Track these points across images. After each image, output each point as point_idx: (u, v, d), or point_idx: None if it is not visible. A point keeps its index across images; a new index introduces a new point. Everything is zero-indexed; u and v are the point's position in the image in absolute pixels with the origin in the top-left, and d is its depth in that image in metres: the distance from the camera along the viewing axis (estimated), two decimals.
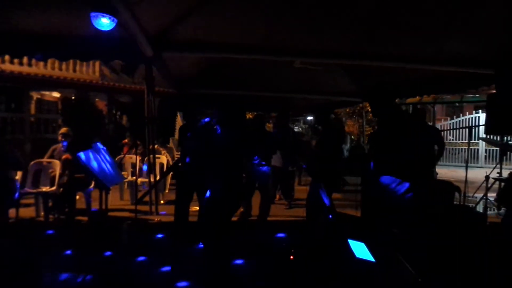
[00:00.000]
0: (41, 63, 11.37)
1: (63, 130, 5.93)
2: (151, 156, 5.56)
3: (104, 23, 3.33)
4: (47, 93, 14.31)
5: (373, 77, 6.50)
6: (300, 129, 20.63)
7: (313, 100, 8.67)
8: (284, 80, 7.03)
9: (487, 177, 5.99)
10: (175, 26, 4.41)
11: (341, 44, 4.81)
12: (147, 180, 6.15)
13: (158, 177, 5.93)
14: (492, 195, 5.95)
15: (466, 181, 5.10)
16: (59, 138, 5.85)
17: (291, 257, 3.78)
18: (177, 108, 4.40)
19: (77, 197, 5.64)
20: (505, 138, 7.27)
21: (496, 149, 13.33)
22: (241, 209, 5.31)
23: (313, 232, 3.96)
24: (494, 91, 6.63)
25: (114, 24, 3.39)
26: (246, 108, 8.41)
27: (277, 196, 7.32)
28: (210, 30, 4.56)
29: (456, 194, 4.15)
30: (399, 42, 4.62)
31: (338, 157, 4.71)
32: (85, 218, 5.33)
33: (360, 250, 2.10)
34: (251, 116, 8.51)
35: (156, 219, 5.22)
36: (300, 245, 3.99)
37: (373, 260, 2.01)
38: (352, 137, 14.35)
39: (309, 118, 19.68)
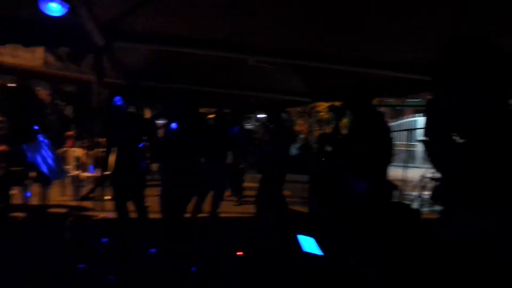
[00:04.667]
0: None
1: None
2: (97, 150, 5.36)
3: (54, 8, 3.14)
4: None
5: (322, 78, 6.74)
6: (252, 126, 20.75)
7: (265, 98, 8.79)
8: (237, 77, 7.05)
9: (422, 177, 6.44)
10: (128, 16, 4.27)
11: (295, 44, 4.93)
12: (92, 175, 5.92)
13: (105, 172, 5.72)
14: (426, 193, 6.41)
15: (404, 180, 5.45)
16: None
17: (240, 252, 3.83)
18: (128, 101, 4.23)
19: (14, 191, 5.28)
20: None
21: None
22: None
23: (263, 228, 4.05)
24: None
25: (66, 10, 3.22)
26: (199, 104, 8.33)
27: (227, 193, 7.35)
28: (164, 22, 4.47)
29: (394, 192, 4.43)
30: (350, 45, 4.82)
31: (288, 155, 4.84)
32: (21, 214, 5.01)
33: (308, 244, 2.20)
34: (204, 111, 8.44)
35: (100, 215, 5.04)
36: (249, 241, 4.06)
37: (321, 253, 2.11)
38: (302, 136, 14.71)
39: (260, 115, 19.86)
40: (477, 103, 1.19)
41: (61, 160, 6.44)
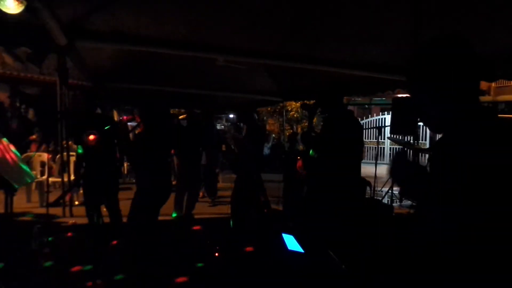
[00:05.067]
0: None
1: None
2: (65, 154, 5.16)
3: (10, 5, 2.98)
4: None
5: (292, 78, 6.79)
6: (223, 126, 20.69)
7: (236, 98, 8.77)
8: (206, 77, 6.99)
9: None
10: (92, 14, 4.12)
11: (264, 44, 4.93)
12: (59, 179, 5.69)
13: (72, 177, 5.50)
14: (396, 189, 6.61)
15: (375, 176, 5.58)
16: None
17: (216, 254, 3.80)
18: (94, 103, 4.09)
19: None
20: (406, 138, 8.11)
21: (399, 148, 14.80)
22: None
23: (241, 228, 4.03)
24: (399, 95, 7.35)
25: (23, 7, 3.06)
26: (169, 105, 8.21)
27: (201, 194, 7.29)
28: (130, 21, 4.35)
29: (368, 188, 4.54)
30: (319, 45, 4.88)
31: (262, 154, 4.84)
32: None
33: (291, 242, 2.20)
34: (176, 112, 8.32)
35: (70, 222, 4.86)
36: (226, 241, 4.03)
37: (302, 251, 2.12)
38: (273, 135, 14.80)
39: (231, 115, 19.83)
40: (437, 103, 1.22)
41: (26, 164, 6.15)
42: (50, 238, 3.93)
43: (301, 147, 8.36)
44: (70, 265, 3.45)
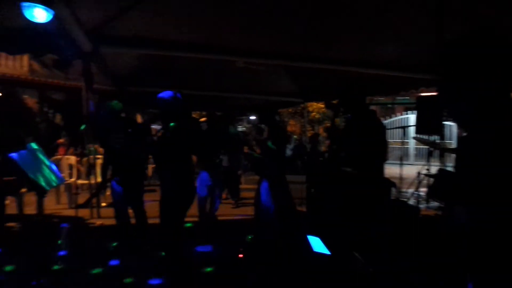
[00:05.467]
0: None
1: None
2: (91, 156, 5.29)
3: (38, 14, 3.08)
4: None
5: (313, 78, 6.74)
6: (244, 128, 20.75)
7: (256, 100, 8.78)
8: (227, 79, 7.04)
9: (418, 173, 6.46)
10: (115, 21, 4.22)
11: (284, 45, 4.93)
12: (86, 182, 5.83)
13: (99, 179, 5.63)
14: (422, 190, 6.44)
15: (400, 177, 5.46)
16: None
17: (240, 255, 3.79)
18: (119, 106, 4.15)
19: (7, 202, 5.18)
20: (432, 137, 7.91)
21: (425, 148, 14.45)
22: None
23: (264, 229, 4.01)
24: (422, 94, 7.18)
25: (51, 16, 3.16)
26: (192, 108, 8.30)
27: (224, 195, 7.31)
28: (152, 26, 4.44)
29: (393, 189, 4.44)
30: (339, 45, 4.83)
31: (284, 155, 4.82)
32: (14, 225, 4.92)
33: (316, 244, 2.18)
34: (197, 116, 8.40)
35: (98, 223, 4.97)
36: (250, 242, 4.03)
37: (328, 252, 2.09)
38: (295, 136, 14.73)
39: (252, 117, 19.86)
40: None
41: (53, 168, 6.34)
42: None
43: (323, 148, 8.29)
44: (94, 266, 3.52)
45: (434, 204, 6.06)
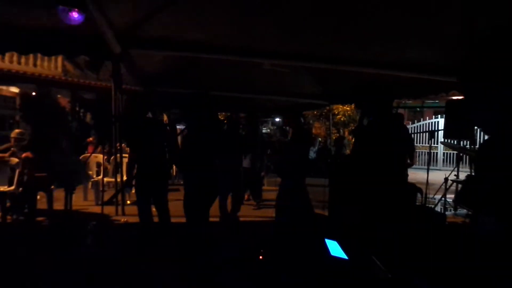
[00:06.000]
0: None
1: (16, 133, 5.37)
2: (118, 155, 5.44)
3: (73, 17, 3.21)
4: (3, 87, 13.59)
5: (339, 81, 6.67)
6: (268, 130, 20.77)
7: (281, 102, 8.78)
8: (252, 81, 7.07)
9: (446, 179, 6.28)
10: (143, 23, 4.33)
11: (309, 47, 4.91)
12: (113, 180, 5.99)
13: (125, 177, 5.78)
14: (450, 196, 6.26)
15: (427, 183, 5.32)
16: (12, 142, 5.25)
17: (260, 257, 3.79)
18: (144, 106, 4.25)
19: (38, 197, 5.41)
20: (462, 142, 7.66)
21: (453, 153, 14.02)
22: None
23: (284, 231, 4.00)
24: (453, 97, 6.97)
25: (82, 19, 3.29)
26: (217, 109, 8.39)
27: (246, 196, 7.35)
28: (179, 28, 4.52)
29: (418, 195, 4.34)
30: (365, 47, 4.77)
31: (308, 158, 4.80)
32: (44, 219, 5.13)
33: (333, 248, 2.16)
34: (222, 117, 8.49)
35: (122, 220, 5.10)
36: (270, 244, 4.01)
37: (346, 257, 2.07)
38: (319, 139, 14.59)
39: (277, 119, 19.85)
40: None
41: (83, 165, 6.57)
42: None
43: (348, 151, 8.18)
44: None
45: (462, 211, 5.88)
